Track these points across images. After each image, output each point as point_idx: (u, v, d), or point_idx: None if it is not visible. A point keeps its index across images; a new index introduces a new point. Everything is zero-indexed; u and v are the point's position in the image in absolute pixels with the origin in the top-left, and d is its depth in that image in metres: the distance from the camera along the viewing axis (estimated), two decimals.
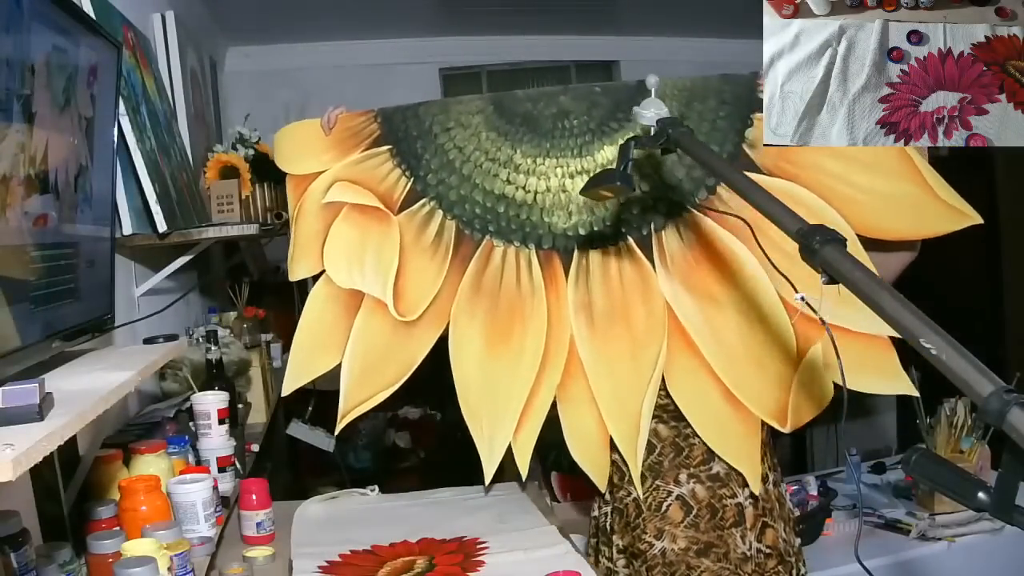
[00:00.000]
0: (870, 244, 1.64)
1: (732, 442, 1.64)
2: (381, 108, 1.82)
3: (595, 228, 1.73)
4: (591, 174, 1.71)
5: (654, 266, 1.70)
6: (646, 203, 1.71)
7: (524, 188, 1.74)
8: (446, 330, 1.73)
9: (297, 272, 1.79)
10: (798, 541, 1.74)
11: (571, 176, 1.73)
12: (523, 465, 1.70)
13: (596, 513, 1.79)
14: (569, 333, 1.70)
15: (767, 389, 1.64)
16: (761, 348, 1.63)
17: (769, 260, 1.71)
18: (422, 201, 1.76)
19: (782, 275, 1.69)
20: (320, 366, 1.76)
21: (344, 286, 1.74)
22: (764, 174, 1.69)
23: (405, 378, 1.74)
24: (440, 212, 1.76)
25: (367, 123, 1.79)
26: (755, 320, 1.66)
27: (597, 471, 1.69)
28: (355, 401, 1.75)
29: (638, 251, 1.72)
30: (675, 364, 1.67)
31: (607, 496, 1.74)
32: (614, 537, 1.73)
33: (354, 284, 1.74)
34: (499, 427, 1.69)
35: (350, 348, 1.73)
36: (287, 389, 1.76)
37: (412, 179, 1.76)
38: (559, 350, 1.70)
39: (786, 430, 1.63)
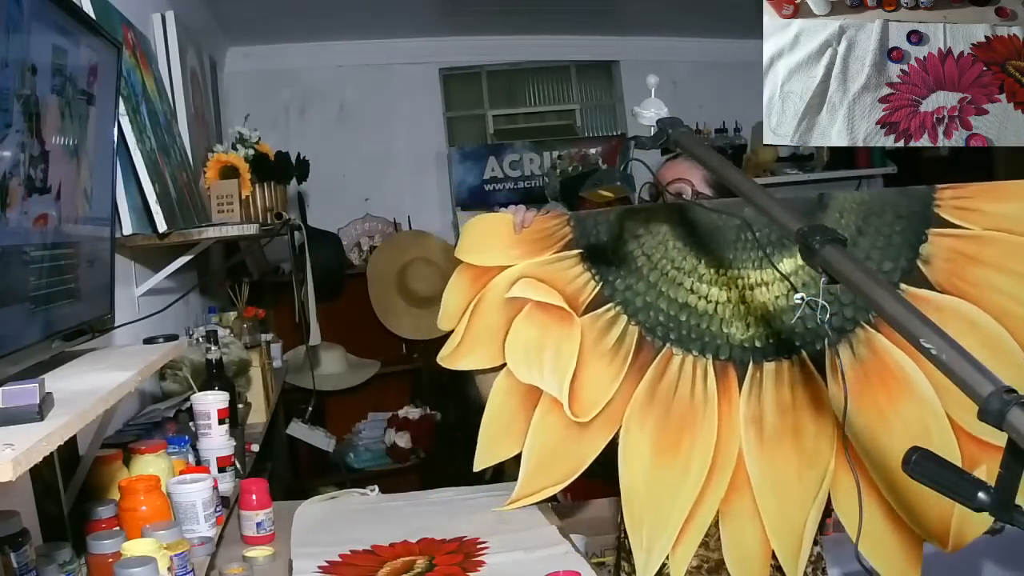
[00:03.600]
0: None
1: (893, 563, 1.65)
2: (575, 212, 1.84)
3: (770, 341, 1.72)
4: (770, 286, 1.73)
5: (825, 382, 1.70)
6: (820, 318, 1.71)
7: (706, 298, 1.74)
8: (616, 434, 1.73)
9: (462, 361, 1.78)
10: (817, 549, 1.74)
11: (750, 288, 1.73)
12: None
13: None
14: (738, 446, 1.69)
15: (930, 510, 1.64)
16: None
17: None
18: (608, 305, 1.76)
19: (782, 274, 1.72)
20: (502, 453, 1.77)
21: (524, 381, 1.75)
22: (937, 291, 1.69)
23: (575, 476, 1.75)
24: (624, 317, 1.75)
25: (560, 226, 1.79)
26: (922, 440, 1.62)
27: None
28: (526, 492, 1.75)
29: (811, 366, 1.71)
30: (841, 483, 1.67)
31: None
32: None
33: (533, 380, 1.75)
34: (658, 538, 1.67)
35: (528, 441, 1.74)
36: (476, 468, 1.78)
37: (601, 283, 1.76)
38: (726, 464, 1.69)
39: (948, 550, 1.64)
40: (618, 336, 1.75)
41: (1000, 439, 1.53)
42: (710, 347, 1.73)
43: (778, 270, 1.72)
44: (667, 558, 1.67)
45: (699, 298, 1.74)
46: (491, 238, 1.79)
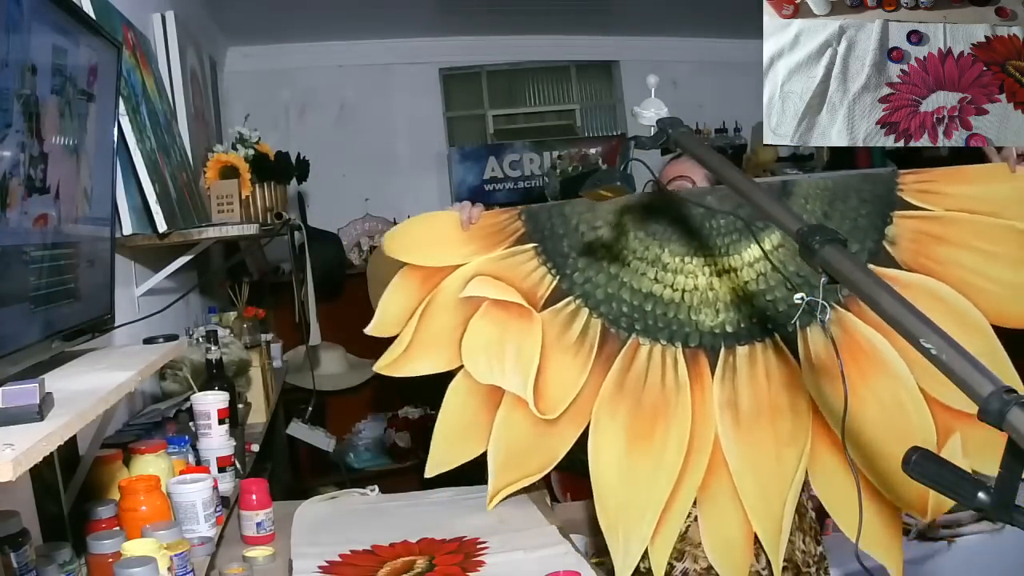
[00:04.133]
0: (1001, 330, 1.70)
1: (876, 536, 1.66)
2: (526, 207, 1.81)
3: (742, 325, 1.73)
4: (739, 272, 1.73)
5: (799, 363, 1.71)
6: (791, 300, 1.72)
7: (671, 287, 1.74)
8: (587, 427, 1.72)
9: (409, 367, 1.76)
10: (820, 549, 1.74)
11: (718, 274, 1.73)
12: (658, 570, 1.67)
13: None
14: (713, 431, 1.70)
15: (907, 482, 1.63)
16: (902, 442, 1.65)
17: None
18: (567, 299, 1.75)
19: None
20: (462, 455, 1.76)
21: (484, 381, 1.74)
22: (904, 270, 1.73)
23: (548, 470, 1.75)
24: (586, 310, 1.74)
25: (511, 220, 1.77)
26: (896, 414, 1.67)
27: (735, 572, 1.67)
28: (502, 484, 1.75)
29: (784, 348, 1.72)
30: (819, 461, 1.68)
31: None
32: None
33: (494, 380, 1.73)
34: (636, 529, 1.67)
35: (493, 439, 1.73)
36: (428, 474, 1.76)
37: (558, 277, 1.75)
38: (702, 449, 1.69)
39: (926, 520, 1.64)
40: (581, 329, 1.74)
41: (972, 407, 1.52)
42: (678, 335, 1.74)
43: (764, 252, 1.72)
44: (646, 550, 1.66)
45: (664, 287, 1.74)
46: (439, 237, 1.76)
